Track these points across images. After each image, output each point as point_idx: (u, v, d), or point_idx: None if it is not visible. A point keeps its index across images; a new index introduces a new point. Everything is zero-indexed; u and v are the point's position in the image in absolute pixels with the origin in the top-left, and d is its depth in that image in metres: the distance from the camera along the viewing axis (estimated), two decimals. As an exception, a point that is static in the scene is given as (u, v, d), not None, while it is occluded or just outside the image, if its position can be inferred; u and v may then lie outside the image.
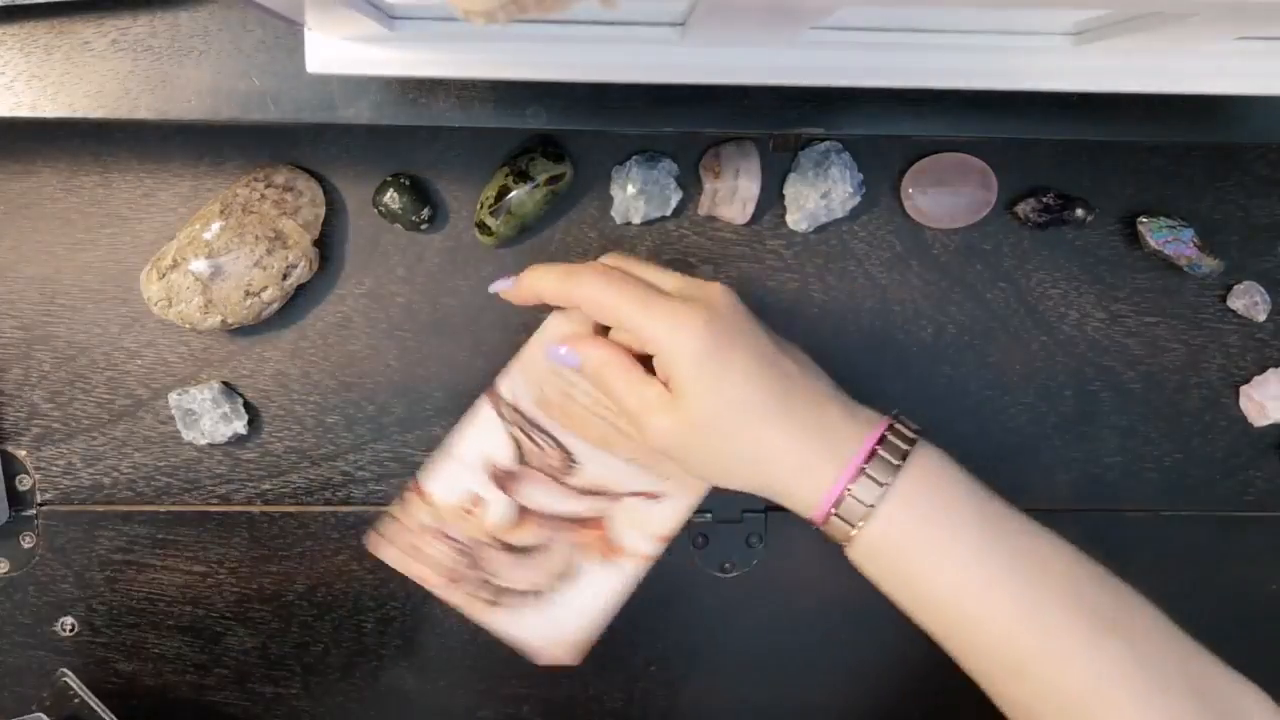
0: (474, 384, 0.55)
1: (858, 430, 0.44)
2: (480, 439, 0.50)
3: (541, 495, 0.50)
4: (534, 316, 0.55)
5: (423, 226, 0.53)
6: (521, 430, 0.51)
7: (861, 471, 0.43)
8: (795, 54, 0.39)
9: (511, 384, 0.50)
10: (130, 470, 0.55)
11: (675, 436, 0.44)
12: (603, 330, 0.48)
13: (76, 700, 0.54)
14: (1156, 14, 0.34)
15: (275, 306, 0.52)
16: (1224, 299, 0.56)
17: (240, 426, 0.54)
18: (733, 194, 0.52)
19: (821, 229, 0.54)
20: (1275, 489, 0.58)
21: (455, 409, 0.56)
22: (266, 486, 0.56)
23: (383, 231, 0.54)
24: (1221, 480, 0.58)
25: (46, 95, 0.44)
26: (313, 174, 0.52)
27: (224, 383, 0.54)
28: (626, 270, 0.46)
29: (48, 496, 0.55)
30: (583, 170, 0.53)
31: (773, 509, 0.57)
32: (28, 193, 0.53)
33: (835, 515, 0.43)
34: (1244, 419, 0.57)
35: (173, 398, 0.54)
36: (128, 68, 0.44)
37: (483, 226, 0.52)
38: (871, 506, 0.42)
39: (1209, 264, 0.54)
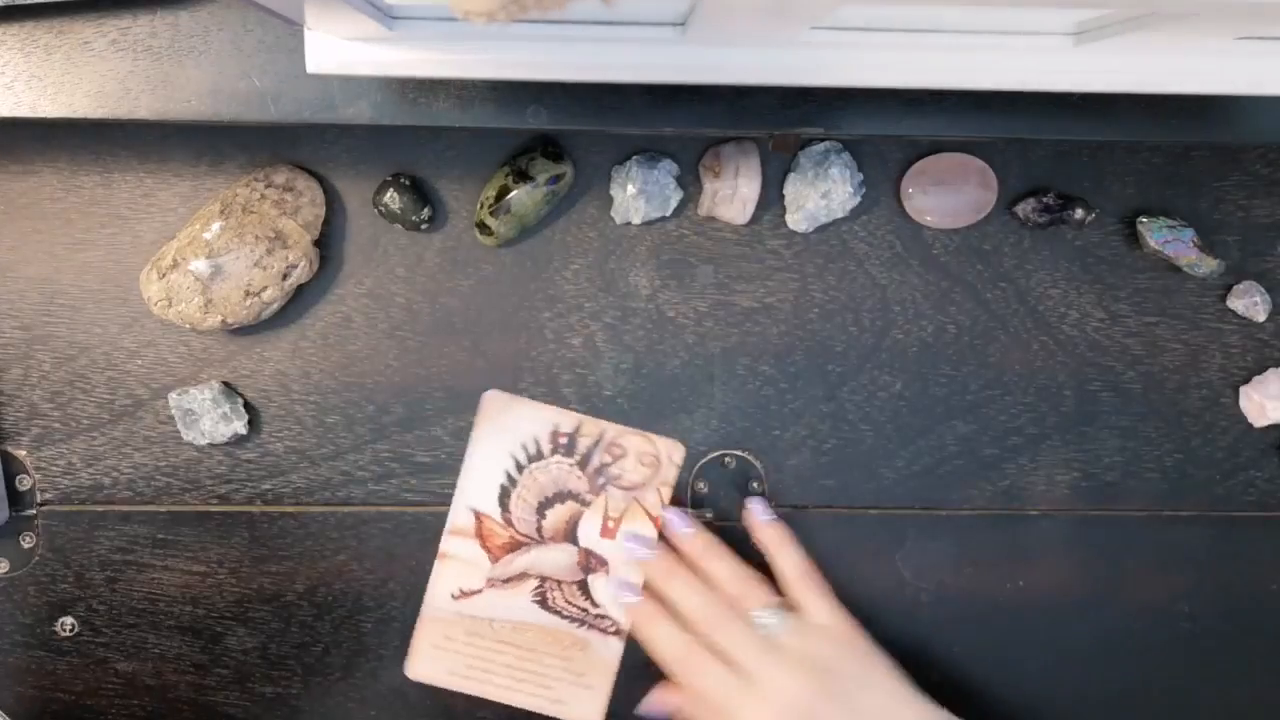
0: (474, 384, 0.55)
1: None
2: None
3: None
4: (532, 316, 0.55)
5: (423, 226, 0.53)
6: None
7: None
8: (795, 54, 0.39)
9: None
10: (130, 470, 0.55)
11: None
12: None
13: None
14: (1156, 14, 0.34)
15: (275, 306, 0.52)
16: (1224, 299, 0.56)
17: (240, 426, 0.54)
18: (733, 194, 0.52)
19: (821, 229, 0.54)
20: (1275, 489, 0.58)
21: (455, 409, 0.56)
22: (266, 486, 0.56)
23: (383, 231, 0.54)
24: (1221, 480, 0.58)
25: (46, 95, 0.44)
26: (313, 174, 0.52)
27: (224, 383, 0.54)
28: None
29: (48, 496, 0.55)
30: (583, 170, 0.53)
31: (773, 508, 0.57)
32: (28, 193, 0.53)
33: None
34: (1244, 419, 0.57)
35: (173, 398, 0.54)
36: (128, 68, 0.44)
37: (483, 226, 0.52)
38: None
39: (1209, 264, 0.54)
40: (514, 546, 0.55)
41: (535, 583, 0.55)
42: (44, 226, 0.53)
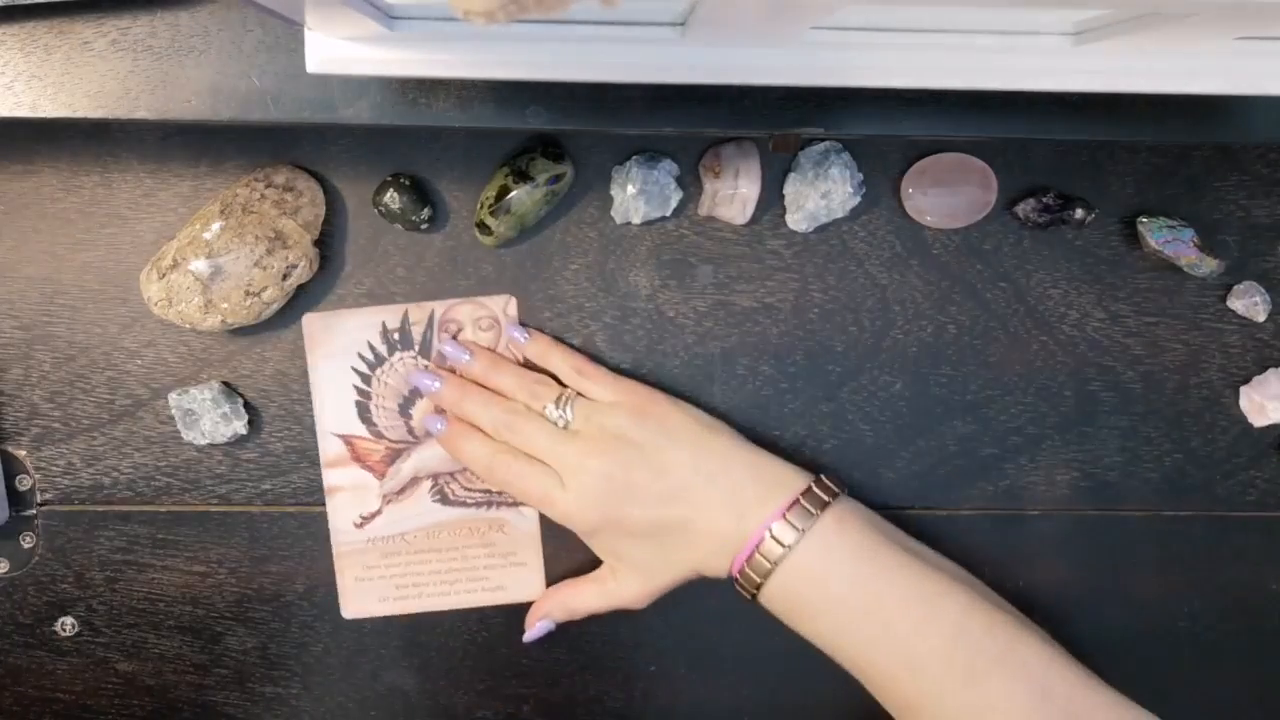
0: (474, 384, 0.55)
1: (791, 479, 0.51)
2: None
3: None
4: (532, 316, 0.55)
5: (423, 226, 0.53)
6: None
7: (783, 517, 0.49)
8: (795, 54, 0.39)
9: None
10: (130, 470, 0.55)
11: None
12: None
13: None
14: (1156, 14, 0.34)
15: (275, 306, 0.52)
16: (1224, 299, 0.56)
17: (240, 426, 0.54)
18: (733, 194, 0.52)
19: (821, 229, 0.54)
20: (1275, 489, 0.58)
21: (455, 409, 0.56)
22: (266, 486, 0.56)
23: (383, 231, 0.54)
24: (1221, 480, 0.58)
25: (46, 95, 0.44)
26: (313, 174, 0.52)
27: (224, 383, 0.54)
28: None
29: (48, 496, 0.55)
30: (583, 170, 0.53)
31: (773, 509, 0.57)
32: (28, 193, 0.53)
33: (757, 553, 0.49)
34: (1244, 419, 0.57)
35: (173, 398, 0.54)
36: (128, 68, 0.44)
37: (483, 226, 0.52)
38: (788, 548, 0.48)
39: (1209, 264, 0.54)
40: (394, 456, 0.55)
41: (429, 483, 0.55)
42: (44, 226, 0.53)
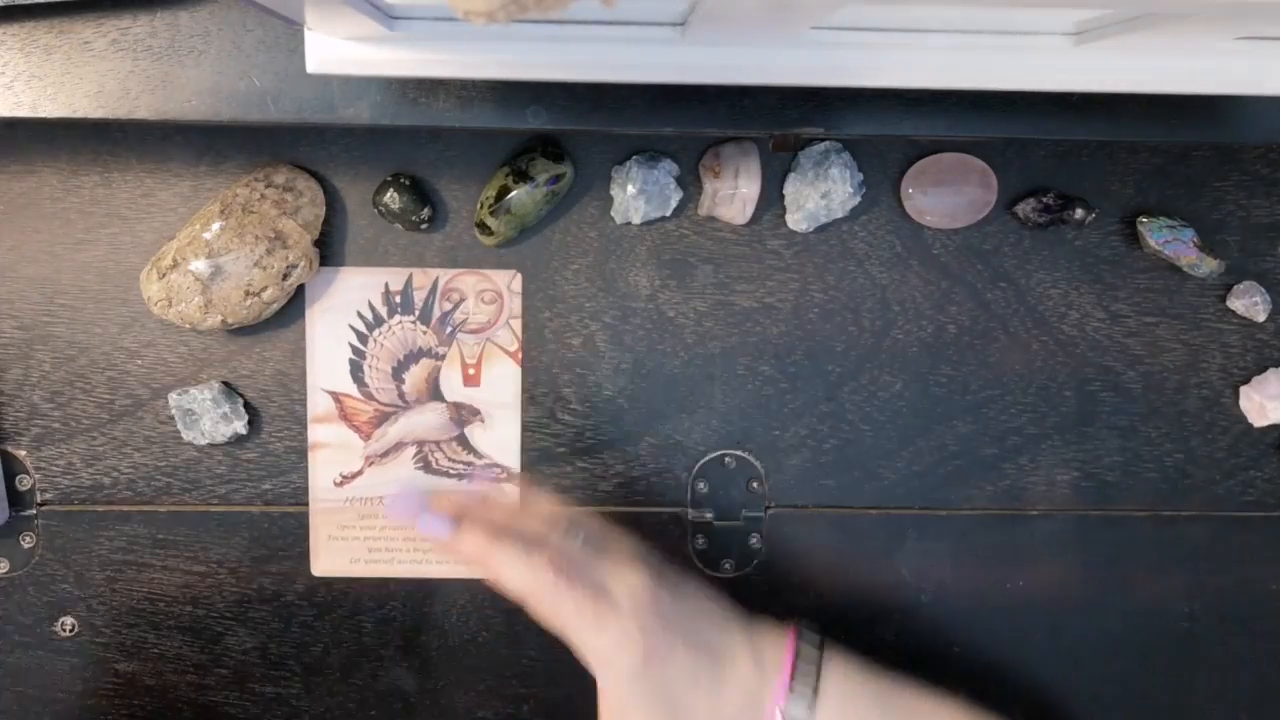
0: (474, 384, 0.55)
1: (776, 642, 0.49)
2: None
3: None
4: (532, 316, 0.55)
5: (423, 226, 0.53)
6: None
7: (790, 688, 0.47)
8: (795, 54, 0.39)
9: None
10: (130, 470, 0.55)
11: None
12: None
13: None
14: (1156, 14, 0.34)
15: (275, 306, 0.52)
16: (1224, 299, 0.56)
17: (240, 426, 0.54)
18: (733, 194, 0.52)
19: (821, 229, 0.54)
20: (1275, 489, 0.58)
21: (455, 409, 0.55)
22: (266, 486, 0.56)
23: (383, 231, 0.54)
24: (1221, 480, 0.58)
25: (46, 95, 0.44)
26: (313, 174, 0.52)
27: (224, 383, 0.54)
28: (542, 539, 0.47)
29: (48, 496, 0.55)
30: (583, 170, 0.53)
31: (773, 508, 0.57)
32: (28, 193, 0.53)
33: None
34: (1244, 419, 0.57)
35: (173, 398, 0.54)
36: (128, 68, 0.44)
37: (483, 226, 0.52)
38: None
39: (1209, 264, 0.54)
40: (381, 418, 0.55)
41: (413, 449, 0.55)
42: (44, 226, 0.53)
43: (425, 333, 0.54)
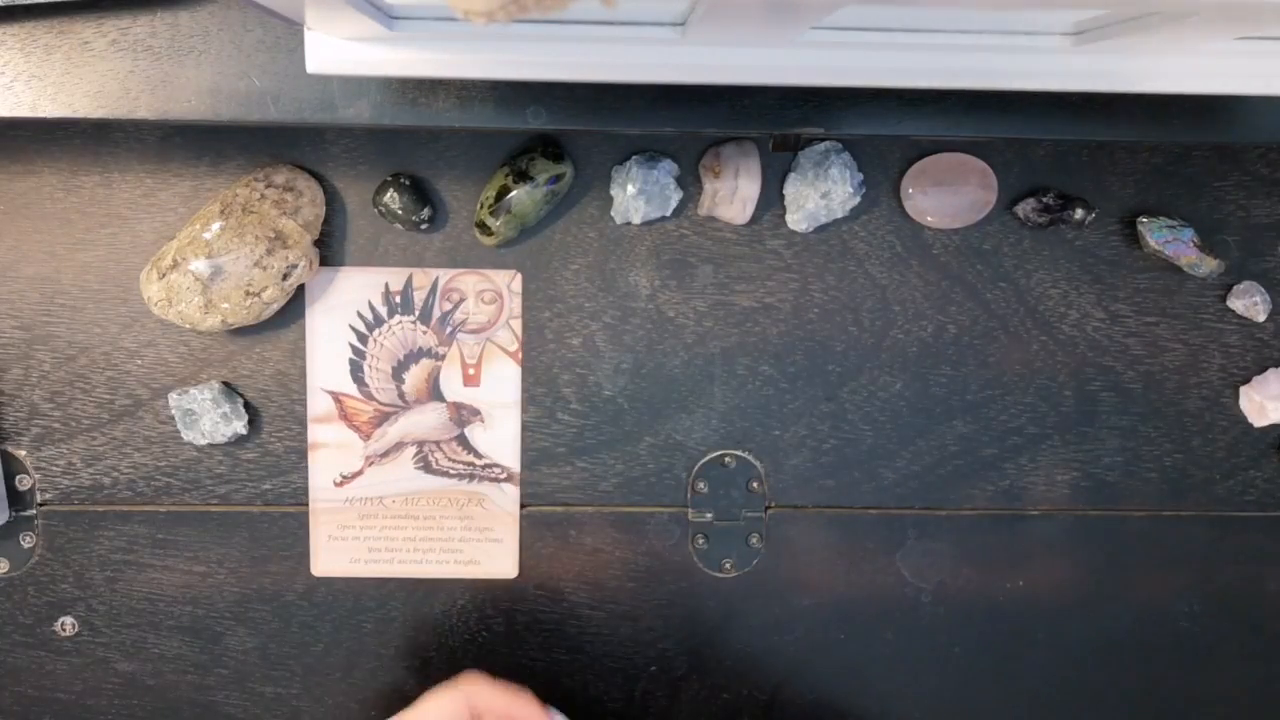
0: (474, 384, 0.55)
1: None
2: None
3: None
4: (532, 316, 0.55)
5: (423, 226, 0.53)
6: None
7: None
8: (795, 54, 0.39)
9: None
10: (130, 470, 0.55)
11: None
12: None
13: None
14: (1156, 14, 0.34)
15: (275, 306, 0.52)
16: (1224, 299, 0.56)
17: (240, 426, 0.54)
18: (733, 194, 0.52)
19: (821, 229, 0.54)
20: (1275, 489, 0.58)
21: (455, 409, 0.55)
22: (266, 486, 0.56)
23: (383, 231, 0.54)
24: (1221, 480, 0.58)
25: (46, 95, 0.44)
26: (313, 174, 0.52)
27: (224, 383, 0.54)
28: None
29: (48, 496, 0.55)
30: (583, 170, 0.53)
31: (773, 508, 0.57)
32: (28, 193, 0.53)
33: None
34: (1244, 419, 0.57)
35: (173, 398, 0.54)
36: (128, 68, 0.44)
37: (483, 226, 0.52)
38: None
39: (1209, 264, 0.54)
40: (381, 418, 0.55)
41: (414, 449, 0.55)
42: (44, 226, 0.53)
43: (425, 333, 0.54)
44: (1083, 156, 0.54)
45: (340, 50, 0.38)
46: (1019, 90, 0.40)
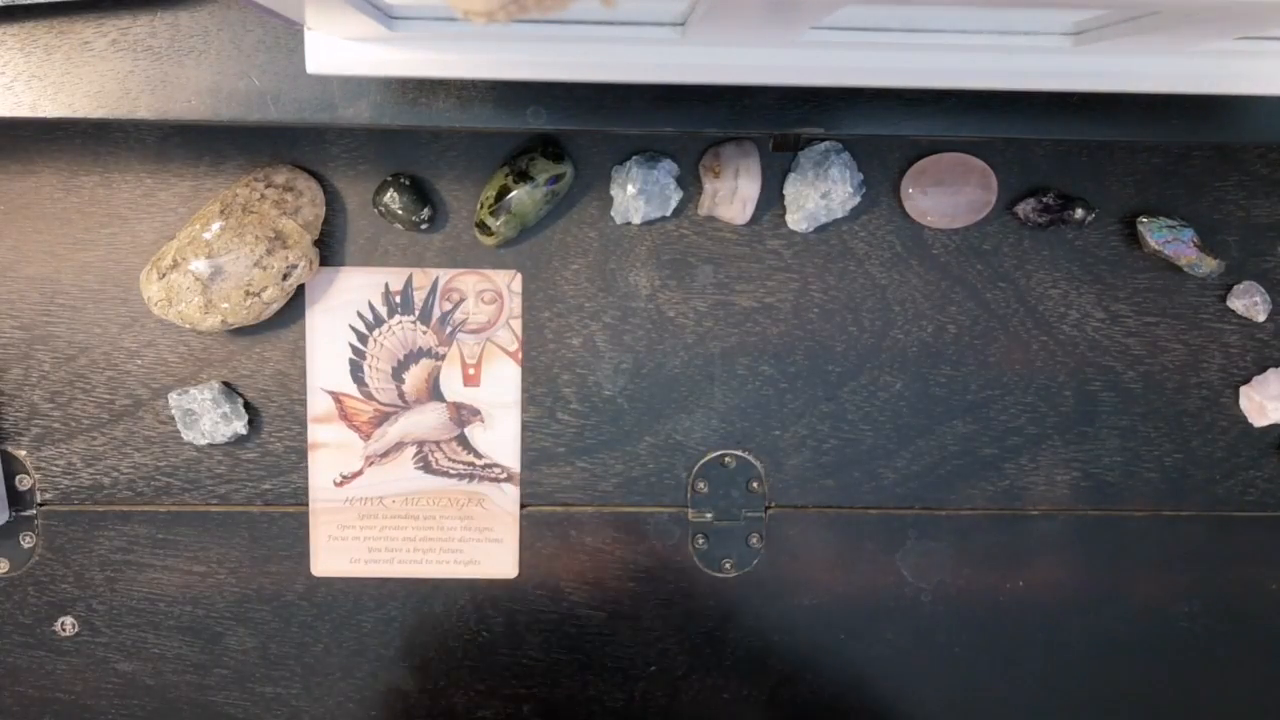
0: (474, 384, 0.55)
1: None
2: None
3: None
4: (532, 316, 0.55)
5: (423, 226, 0.53)
6: None
7: None
8: (795, 54, 0.39)
9: None
10: (130, 470, 0.55)
11: None
12: None
13: None
14: (1156, 14, 0.34)
15: (275, 306, 0.52)
16: (1224, 299, 0.56)
17: (240, 426, 0.54)
18: (733, 194, 0.52)
19: (821, 229, 0.54)
20: (1275, 489, 0.58)
21: (455, 409, 0.55)
22: (266, 486, 0.56)
23: (383, 231, 0.54)
24: (1221, 480, 0.58)
25: (46, 95, 0.44)
26: (313, 174, 0.52)
27: (224, 383, 0.54)
28: None
29: (48, 496, 0.55)
30: (583, 170, 0.53)
31: (773, 508, 0.57)
32: (28, 193, 0.53)
33: None
34: (1244, 419, 0.57)
35: (173, 398, 0.54)
36: (128, 68, 0.44)
37: (483, 226, 0.52)
38: None
39: (1209, 264, 0.54)
40: (381, 418, 0.55)
41: (414, 449, 0.55)
42: (44, 226, 0.53)
43: (425, 333, 0.54)
44: (1083, 156, 0.54)
45: (340, 50, 0.38)
46: (1019, 90, 0.40)
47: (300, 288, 0.53)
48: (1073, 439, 0.57)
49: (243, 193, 0.51)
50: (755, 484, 0.56)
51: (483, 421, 0.55)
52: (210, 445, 0.55)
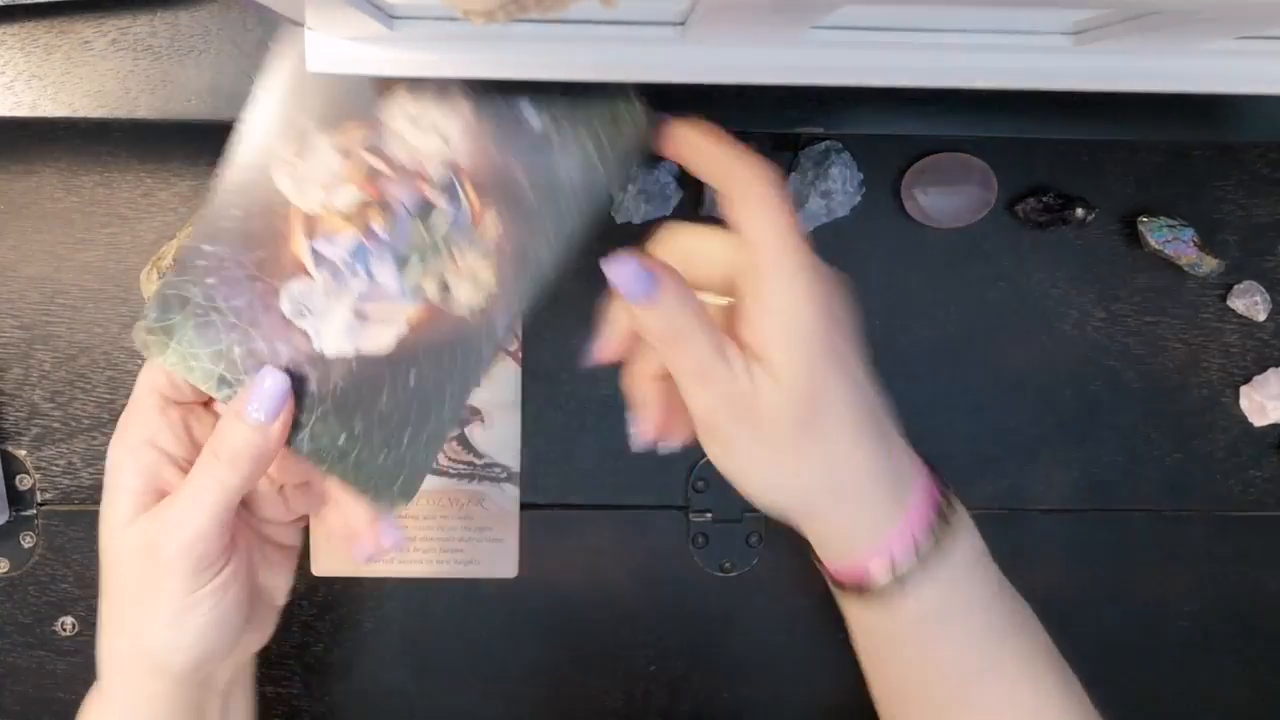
0: (474, 384, 0.55)
1: (915, 479, 0.44)
2: None
3: None
4: (531, 316, 0.55)
5: (423, 226, 0.53)
6: None
7: (929, 523, 0.43)
8: (795, 54, 0.39)
9: None
10: (130, 470, 0.55)
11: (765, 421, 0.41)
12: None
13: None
14: (1156, 14, 0.34)
15: (275, 306, 0.52)
16: (1224, 299, 0.56)
17: (240, 426, 0.54)
18: (733, 194, 0.52)
19: (821, 229, 0.54)
20: (1275, 489, 0.58)
21: (455, 409, 0.55)
22: (266, 486, 0.56)
23: (383, 231, 0.54)
24: (1221, 480, 0.58)
25: (46, 95, 0.44)
26: (313, 174, 0.52)
27: (224, 383, 0.54)
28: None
29: (48, 496, 0.55)
30: (583, 170, 0.53)
31: (773, 509, 0.57)
32: (28, 193, 0.53)
33: (891, 560, 0.42)
34: (1244, 419, 0.57)
35: (173, 398, 0.54)
36: (128, 68, 0.44)
37: (483, 226, 0.52)
38: (923, 560, 0.43)
39: (1209, 264, 0.54)
40: None
41: None
42: (44, 226, 0.53)
43: None
44: (1083, 156, 0.54)
45: (340, 50, 0.38)
46: (1019, 90, 0.40)
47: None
48: (1073, 439, 0.57)
49: (243, 193, 0.51)
50: (755, 484, 0.56)
51: (483, 421, 0.55)
52: (210, 445, 0.55)
